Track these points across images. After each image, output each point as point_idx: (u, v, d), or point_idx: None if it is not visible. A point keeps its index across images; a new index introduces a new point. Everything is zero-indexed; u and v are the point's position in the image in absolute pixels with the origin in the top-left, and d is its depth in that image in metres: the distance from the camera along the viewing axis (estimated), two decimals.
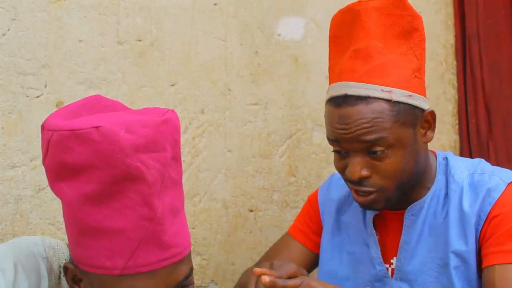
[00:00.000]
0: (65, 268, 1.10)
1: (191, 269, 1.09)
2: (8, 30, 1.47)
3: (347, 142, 1.29)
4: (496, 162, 2.19)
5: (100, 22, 1.59)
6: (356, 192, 1.33)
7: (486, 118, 2.31)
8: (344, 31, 1.35)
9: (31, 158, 1.49)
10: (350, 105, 1.27)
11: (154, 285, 1.04)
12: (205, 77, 1.77)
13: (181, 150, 1.71)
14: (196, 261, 1.76)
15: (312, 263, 1.56)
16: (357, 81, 1.28)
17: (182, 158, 1.72)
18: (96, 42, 1.58)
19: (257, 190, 1.86)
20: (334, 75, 1.35)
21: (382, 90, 1.27)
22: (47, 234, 1.50)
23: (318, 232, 1.55)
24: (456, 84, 2.32)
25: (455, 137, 2.32)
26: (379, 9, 1.31)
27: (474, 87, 2.30)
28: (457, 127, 2.33)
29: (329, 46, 1.40)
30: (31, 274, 1.08)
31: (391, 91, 1.28)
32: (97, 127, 0.98)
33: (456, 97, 2.32)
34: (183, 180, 1.72)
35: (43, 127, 1.04)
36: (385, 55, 1.29)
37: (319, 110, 1.97)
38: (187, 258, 1.08)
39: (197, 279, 1.77)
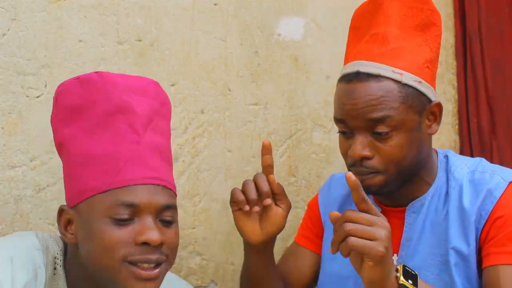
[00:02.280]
0: (60, 211, 1.18)
1: (174, 206, 1.17)
2: (8, 30, 1.47)
3: (353, 119, 1.31)
4: (500, 162, 2.19)
5: (100, 22, 1.59)
6: (356, 173, 1.33)
7: (489, 118, 2.31)
8: (364, 21, 1.39)
9: (31, 158, 1.49)
10: (361, 81, 1.31)
11: (136, 200, 1.12)
12: (205, 77, 1.77)
13: (181, 150, 1.72)
14: (196, 261, 1.76)
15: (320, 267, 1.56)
16: (370, 61, 1.32)
17: (182, 158, 1.73)
18: (96, 42, 1.58)
19: None
20: (349, 59, 1.39)
21: (393, 71, 1.31)
22: None
23: (321, 235, 1.56)
24: (456, 84, 2.32)
25: (455, 137, 2.32)
26: (402, 0, 1.36)
27: (476, 87, 2.30)
28: (457, 127, 2.33)
29: (348, 35, 1.44)
30: (27, 266, 1.11)
31: (402, 73, 1.31)
32: (97, 72, 1.18)
33: (456, 97, 2.32)
34: (183, 180, 1.73)
35: (56, 90, 1.22)
36: (400, 41, 1.34)
37: (319, 110, 1.97)
38: (171, 193, 1.18)
39: (197, 279, 1.77)
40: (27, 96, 1.49)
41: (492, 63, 2.31)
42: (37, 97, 1.50)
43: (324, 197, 1.57)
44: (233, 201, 1.35)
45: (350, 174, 1.19)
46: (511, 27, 2.34)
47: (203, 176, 1.77)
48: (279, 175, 1.90)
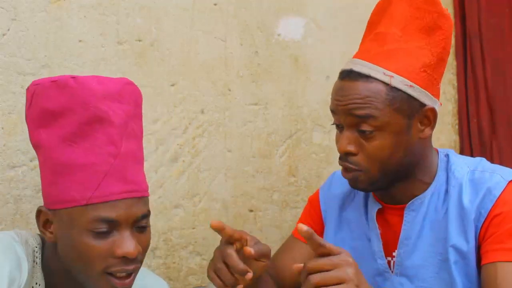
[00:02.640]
0: (38, 212, 1.23)
1: (148, 212, 1.23)
2: (8, 30, 1.47)
3: (340, 114, 1.34)
4: (500, 162, 2.19)
5: (100, 22, 1.59)
6: (343, 167, 1.37)
7: (489, 118, 2.31)
8: (376, 18, 1.41)
9: (31, 158, 1.49)
10: (351, 80, 1.33)
11: (115, 215, 1.17)
12: (205, 77, 1.77)
13: (181, 150, 1.72)
14: (196, 261, 1.76)
15: None
16: (365, 60, 1.34)
17: (182, 158, 1.73)
18: (96, 42, 1.58)
19: (257, 190, 1.86)
20: (355, 54, 1.40)
21: (384, 74, 1.31)
22: None
23: (320, 231, 1.56)
24: (456, 84, 2.32)
25: (455, 137, 2.32)
26: (410, 1, 1.36)
27: (476, 87, 2.30)
28: (457, 127, 2.33)
29: (364, 31, 1.45)
30: (10, 256, 1.17)
31: (392, 76, 1.31)
32: (73, 77, 1.19)
33: (456, 97, 2.32)
34: (183, 180, 1.73)
35: (29, 86, 1.24)
36: (399, 43, 1.34)
37: (319, 110, 1.97)
38: (145, 200, 1.24)
39: (197, 279, 1.77)
40: None
41: (492, 63, 2.31)
42: None
43: (325, 194, 1.58)
44: (210, 281, 1.29)
45: (301, 225, 1.16)
46: (511, 27, 2.34)
47: (203, 176, 1.77)
48: (279, 175, 1.90)
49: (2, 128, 1.46)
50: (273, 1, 1.89)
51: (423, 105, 1.33)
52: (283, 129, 1.91)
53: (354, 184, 1.37)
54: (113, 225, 1.17)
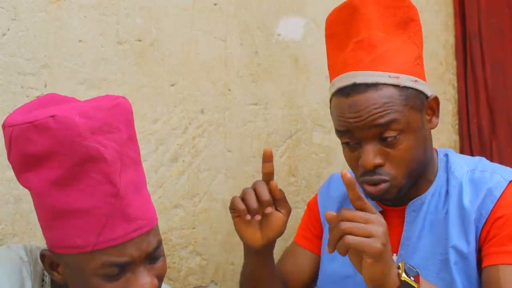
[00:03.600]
0: (42, 256, 1.15)
1: (160, 242, 1.15)
2: (8, 30, 1.47)
3: (359, 130, 1.30)
4: (500, 162, 2.18)
5: (100, 22, 1.59)
6: (368, 182, 1.34)
7: (489, 118, 2.31)
8: (340, 27, 1.37)
9: None
10: (360, 93, 1.30)
11: (125, 258, 1.09)
12: (205, 77, 1.77)
13: (181, 150, 1.72)
14: (196, 261, 1.76)
15: (319, 267, 1.56)
16: (363, 70, 1.31)
17: (182, 158, 1.73)
18: (96, 42, 1.58)
19: None
20: (337, 69, 1.37)
21: (390, 76, 1.30)
22: None
23: (320, 236, 1.56)
24: (456, 84, 2.32)
25: (455, 137, 2.32)
26: (377, 2, 1.35)
27: (476, 87, 2.30)
28: (457, 127, 2.33)
29: (326, 45, 1.42)
30: (13, 277, 1.12)
31: (399, 77, 1.31)
32: (53, 116, 1.05)
33: (456, 97, 2.32)
34: (183, 180, 1.73)
35: (3, 126, 1.10)
36: (387, 43, 1.33)
37: (319, 110, 1.97)
38: (155, 230, 1.14)
39: (197, 279, 1.77)
40: (27, 96, 1.49)
41: (492, 63, 2.31)
42: (37, 97, 1.50)
43: (323, 197, 1.57)
44: (233, 209, 1.34)
45: (345, 172, 1.18)
46: (511, 27, 2.35)
47: (203, 176, 1.77)
48: (279, 175, 1.90)
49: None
50: (273, 1, 1.89)
51: (426, 96, 1.35)
52: (283, 129, 1.91)
53: (382, 195, 1.34)
54: (124, 266, 1.10)
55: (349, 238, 1.15)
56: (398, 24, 1.35)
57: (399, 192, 1.34)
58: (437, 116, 1.38)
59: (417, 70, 1.34)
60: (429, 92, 1.36)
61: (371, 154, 1.30)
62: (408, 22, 1.35)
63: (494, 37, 2.33)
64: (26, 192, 1.49)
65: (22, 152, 1.08)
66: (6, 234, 1.46)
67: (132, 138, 1.15)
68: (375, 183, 1.32)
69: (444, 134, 2.28)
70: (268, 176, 1.34)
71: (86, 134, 1.06)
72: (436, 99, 1.37)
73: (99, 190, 1.07)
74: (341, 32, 1.37)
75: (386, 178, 1.32)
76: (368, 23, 1.33)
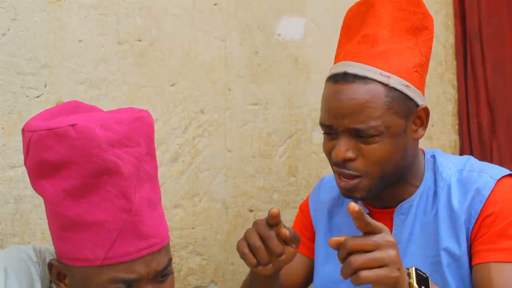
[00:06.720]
0: (50, 265, 1.14)
1: (170, 260, 1.13)
2: (8, 30, 1.47)
3: (337, 119, 1.30)
4: (500, 162, 2.19)
5: (100, 22, 1.59)
6: (339, 175, 1.33)
7: (489, 118, 2.31)
8: (357, 21, 1.38)
9: None
10: (347, 82, 1.30)
11: (134, 276, 1.07)
12: (205, 77, 1.77)
13: (181, 150, 1.72)
14: (196, 261, 1.76)
15: (313, 270, 1.55)
16: (359, 62, 1.31)
17: (182, 158, 1.73)
18: (96, 42, 1.58)
19: (257, 190, 1.86)
20: (338, 58, 1.38)
21: (381, 74, 1.29)
22: (47, 234, 1.50)
23: (312, 238, 1.55)
24: (456, 84, 2.32)
25: (455, 137, 2.32)
26: (394, 3, 1.34)
27: (476, 87, 2.30)
28: (457, 127, 2.33)
29: (340, 35, 1.43)
30: (22, 277, 1.12)
31: (390, 77, 1.29)
32: (73, 125, 1.04)
33: (456, 97, 2.32)
34: (183, 180, 1.73)
35: (23, 130, 1.10)
36: (390, 43, 1.32)
37: (319, 110, 1.97)
38: (166, 249, 1.12)
39: (197, 279, 1.77)
40: (27, 96, 1.49)
41: (492, 63, 2.31)
42: (37, 97, 1.50)
43: (314, 201, 1.57)
44: (242, 257, 1.27)
45: (353, 205, 1.10)
46: (511, 27, 2.34)
47: (203, 176, 1.77)
48: (279, 175, 1.90)
49: (2, 128, 1.46)
50: (273, 1, 1.89)
51: (417, 105, 1.33)
52: (283, 129, 1.91)
53: (351, 192, 1.32)
54: (131, 284, 1.08)
55: (364, 274, 1.08)
56: (409, 29, 1.33)
57: (369, 192, 1.32)
58: (425, 128, 1.35)
59: (414, 77, 1.32)
60: (420, 101, 1.33)
61: (343, 147, 1.30)
62: (420, 30, 1.34)
63: (494, 37, 2.33)
64: (26, 192, 1.49)
65: (39, 158, 1.07)
66: (6, 234, 1.47)
67: (151, 154, 1.12)
68: (345, 177, 1.31)
69: (444, 134, 2.28)
70: (275, 227, 1.25)
71: (105, 146, 1.04)
72: (426, 110, 1.34)
73: (113, 204, 1.06)
74: (354, 26, 1.38)
75: (356, 173, 1.31)
76: (379, 20, 1.33)
